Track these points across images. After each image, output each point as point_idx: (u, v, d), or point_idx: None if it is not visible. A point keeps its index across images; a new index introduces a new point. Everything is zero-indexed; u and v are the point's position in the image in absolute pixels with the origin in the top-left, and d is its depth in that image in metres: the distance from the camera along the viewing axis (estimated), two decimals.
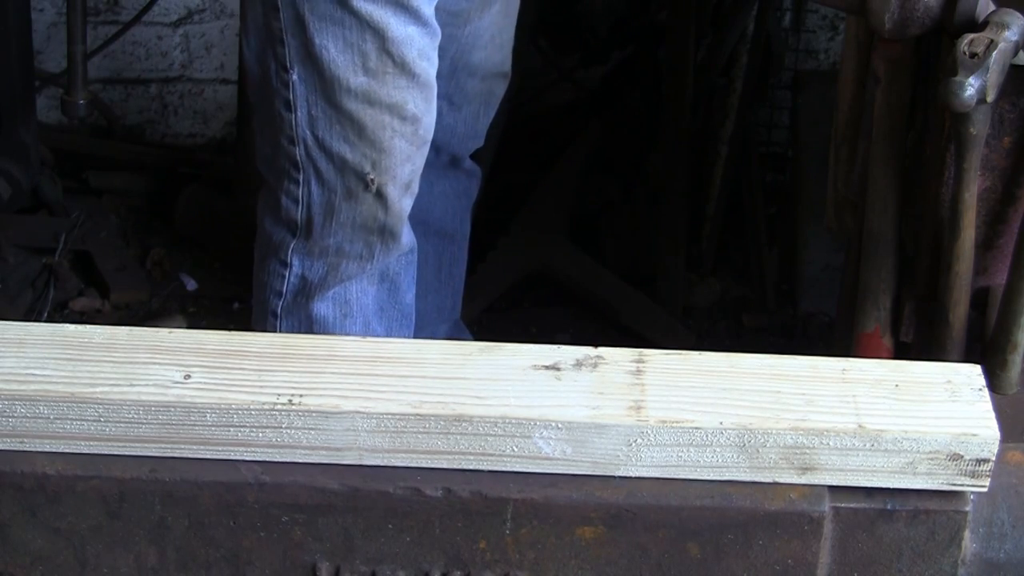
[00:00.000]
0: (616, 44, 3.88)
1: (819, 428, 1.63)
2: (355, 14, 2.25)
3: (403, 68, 2.29)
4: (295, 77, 2.32)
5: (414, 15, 2.27)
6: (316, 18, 2.27)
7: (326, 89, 2.30)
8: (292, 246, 2.45)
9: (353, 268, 2.44)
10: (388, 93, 2.30)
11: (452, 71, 2.60)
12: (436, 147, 2.67)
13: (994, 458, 1.64)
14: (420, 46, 2.29)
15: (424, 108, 2.35)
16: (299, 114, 2.34)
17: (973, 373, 1.72)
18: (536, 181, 3.67)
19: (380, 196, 2.36)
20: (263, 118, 2.43)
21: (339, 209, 2.38)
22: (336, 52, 2.27)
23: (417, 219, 2.70)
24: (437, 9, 2.47)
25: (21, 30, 3.46)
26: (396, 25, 2.26)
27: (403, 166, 2.36)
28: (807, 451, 1.63)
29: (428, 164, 2.67)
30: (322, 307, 2.47)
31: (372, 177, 2.35)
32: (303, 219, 2.42)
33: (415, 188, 2.41)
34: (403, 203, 2.39)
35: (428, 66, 2.33)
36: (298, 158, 2.37)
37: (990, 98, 1.98)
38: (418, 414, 1.63)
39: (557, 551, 1.67)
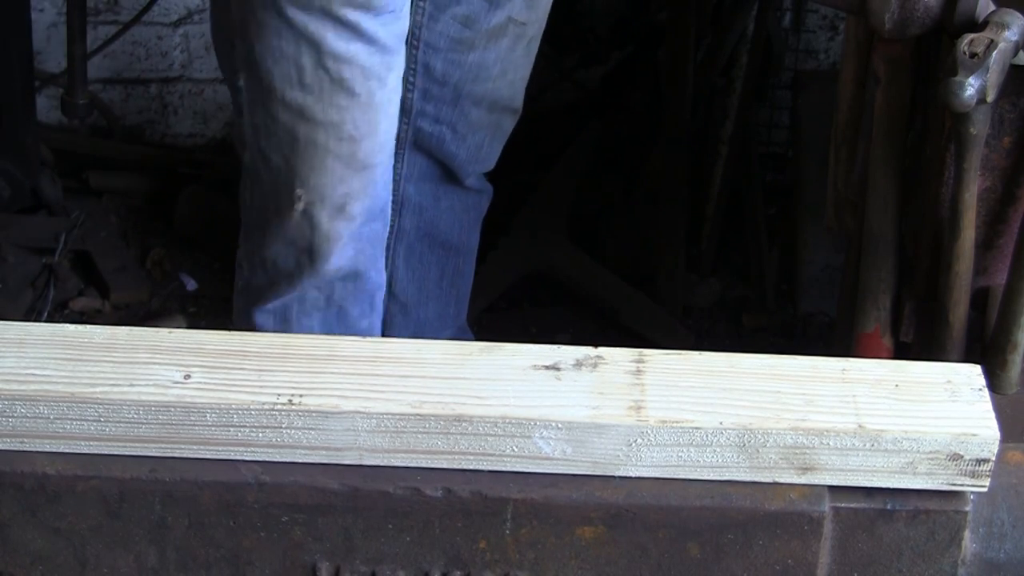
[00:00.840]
0: (616, 44, 3.88)
1: (819, 428, 1.63)
2: (290, 24, 2.17)
3: (341, 86, 2.21)
4: (242, 82, 2.27)
5: (355, 31, 2.18)
6: (256, 25, 2.20)
7: (265, 98, 2.24)
8: (240, 251, 2.46)
9: (285, 285, 2.40)
10: (323, 110, 2.23)
11: (456, 98, 2.56)
12: (441, 165, 2.64)
13: (994, 458, 1.64)
14: (366, 65, 2.21)
15: (366, 130, 2.26)
16: (246, 119, 2.31)
17: (973, 373, 1.72)
18: (536, 181, 3.68)
19: (307, 215, 2.29)
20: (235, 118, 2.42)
21: (271, 221, 2.34)
22: (272, 62, 2.21)
23: (423, 231, 2.69)
24: (439, 33, 2.44)
25: (21, 30, 3.46)
26: (334, 40, 2.18)
27: (335, 188, 2.29)
28: (807, 451, 1.63)
29: (434, 179, 2.64)
30: (262, 317, 2.46)
31: (300, 194, 2.28)
32: (246, 224, 2.40)
33: (354, 212, 2.33)
34: (334, 226, 2.32)
35: (376, 87, 2.24)
36: (247, 162, 2.35)
37: (990, 98, 1.98)
38: (418, 414, 1.63)
39: (557, 551, 1.67)
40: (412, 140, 2.61)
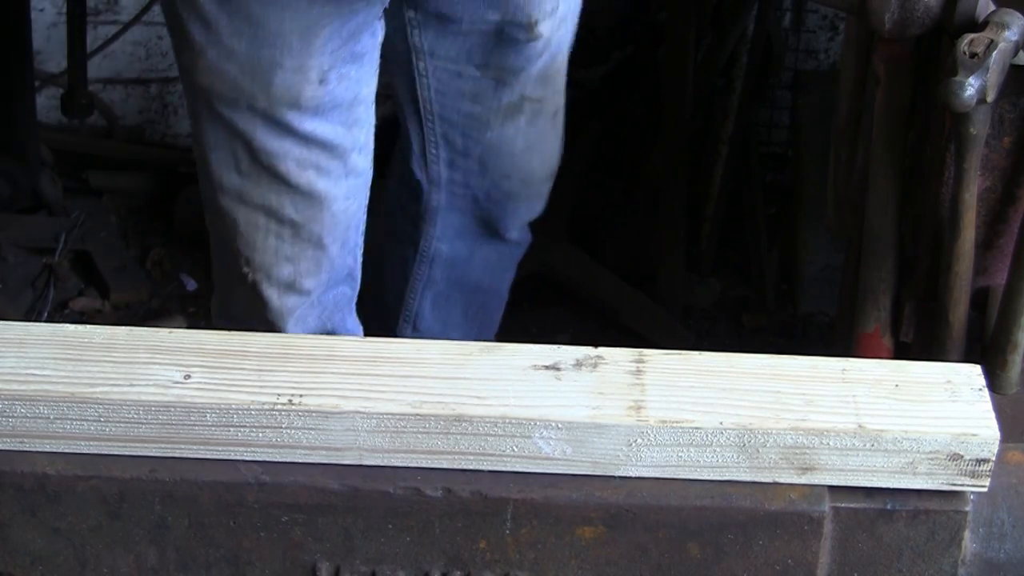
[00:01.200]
0: (616, 44, 3.88)
1: (819, 428, 1.63)
2: (221, 119, 2.13)
3: (276, 177, 2.17)
4: (195, 155, 2.25)
5: (286, 129, 2.13)
6: (195, 110, 2.18)
7: (208, 178, 2.22)
8: (212, 304, 2.43)
9: None
10: (262, 195, 2.18)
11: (483, 171, 2.51)
12: (480, 221, 2.58)
13: (994, 458, 1.63)
14: (300, 157, 2.16)
15: (309, 215, 2.21)
16: (201, 189, 2.28)
17: (973, 373, 1.72)
18: None
19: (256, 291, 2.26)
20: None
21: (232, 286, 2.31)
22: (210, 148, 2.18)
23: (453, 280, 2.63)
24: (450, 108, 2.40)
25: (21, 30, 3.46)
26: (264, 137, 2.13)
27: (281, 267, 2.25)
28: (807, 451, 1.63)
29: (472, 235, 2.59)
30: None
31: (246, 271, 2.25)
32: (215, 281, 2.38)
33: (307, 287, 2.28)
34: (286, 301, 2.28)
35: (315, 177, 2.18)
36: (207, 224, 2.33)
37: (990, 98, 1.98)
38: (418, 414, 1.63)
39: (557, 551, 1.67)
40: (446, 205, 2.56)
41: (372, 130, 2.28)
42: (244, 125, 2.12)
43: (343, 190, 2.23)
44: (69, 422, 1.64)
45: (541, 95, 2.46)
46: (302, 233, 2.23)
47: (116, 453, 1.66)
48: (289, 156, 2.15)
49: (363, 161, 2.27)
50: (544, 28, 2.35)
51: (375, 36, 2.19)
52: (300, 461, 1.65)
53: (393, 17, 2.26)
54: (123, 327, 1.74)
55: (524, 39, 2.35)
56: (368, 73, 2.21)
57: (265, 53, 2.06)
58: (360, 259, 2.40)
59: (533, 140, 2.50)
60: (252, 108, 2.11)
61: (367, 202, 2.35)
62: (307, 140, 2.15)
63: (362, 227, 2.36)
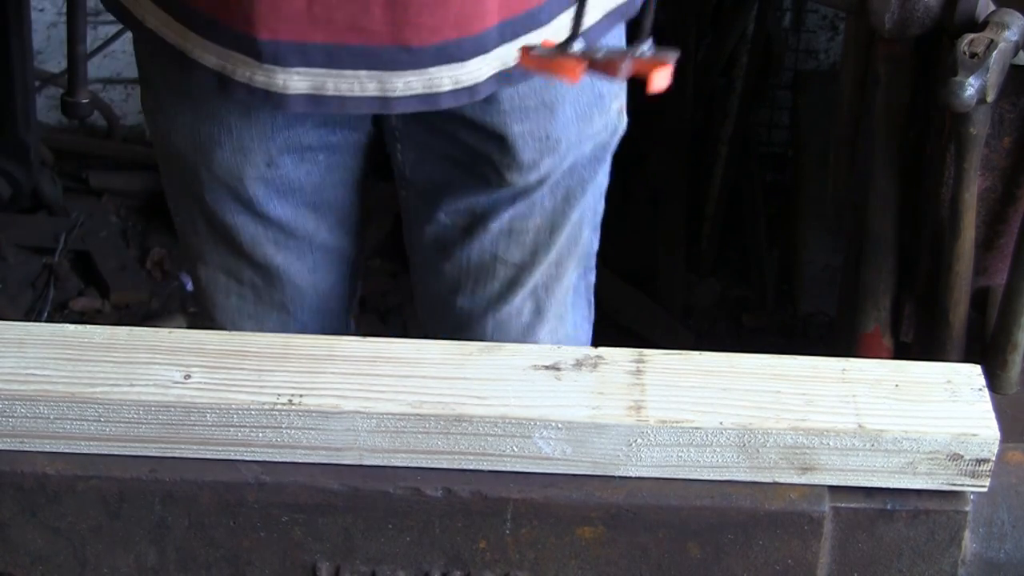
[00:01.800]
0: None
1: (819, 428, 1.63)
2: (176, 179, 2.06)
3: (232, 245, 2.08)
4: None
5: (236, 202, 2.03)
6: (160, 168, 2.12)
7: (176, 229, 2.17)
8: None
9: None
10: (221, 259, 2.11)
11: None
12: None
13: (994, 458, 1.63)
14: (253, 233, 2.05)
15: (268, 282, 2.12)
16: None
17: (973, 373, 1.72)
18: None
19: None
20: None
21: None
22: (175, 208, 2.13)
23: None
24: (420, 259, 2.17)
25: (21, 30, 3.46)
26: (215, 207, 2.03)
27: (245, 324, 2.16)
28: (807, 451, 1.63)
29: None
30: None
31: (210, 326, 2.18)
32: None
33: None
34: None
35: (272, 251, 2.07)
36: None
37: (990, 98, 1.99)
38: (418, 414, 1.63)
39: (557, 551, 1.66)
40: None
41: (356, 203, 2.10)
42: (196, 192, 2.04)
43: (308, 264, 2.11)
44: (69, 422, 1.64)
45: (518, 261, 2.08)
46: (264, 297, 2.14)
47: (116, 453, 1.65)
48: (242, 230, 2.05)
49: (337, 237, 2.11)
50: (515, 178, 2.00)
51: (358, 131, 2.03)
52: (300, 461, 1.65)
53: (385, 125, 2.06)
54: (123, 327, 1.74)
55: (495, 182, 2.02)
56: (348, 159, 2.04)
57: (205, 128, 1.96)
58: (347, 323, 2.25)
59: (505, 321, 2.12)
60: (199, 179, 2.02)
61: (354, 268, 2.20)
62: (259, 217, 2.04)
63: (347, 292, 2.21)
